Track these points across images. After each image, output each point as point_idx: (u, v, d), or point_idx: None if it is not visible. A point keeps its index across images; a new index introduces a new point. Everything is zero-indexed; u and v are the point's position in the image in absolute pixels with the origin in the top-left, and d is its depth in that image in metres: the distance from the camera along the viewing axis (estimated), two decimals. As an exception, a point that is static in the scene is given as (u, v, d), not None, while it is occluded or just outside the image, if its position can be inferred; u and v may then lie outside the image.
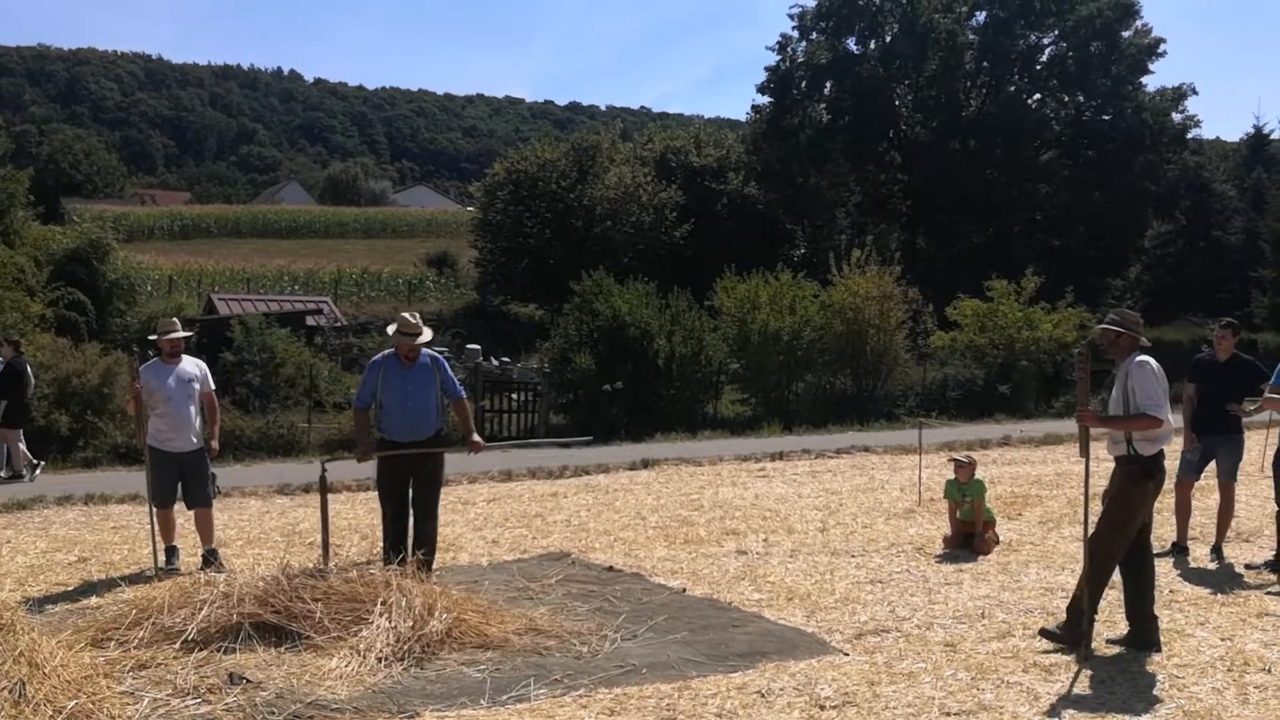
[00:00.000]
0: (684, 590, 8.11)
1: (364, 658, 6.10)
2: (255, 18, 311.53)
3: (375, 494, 13.19)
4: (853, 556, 9.25)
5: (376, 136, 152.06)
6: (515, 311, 37.87)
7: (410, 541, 8.14)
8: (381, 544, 8.45)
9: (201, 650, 6.16)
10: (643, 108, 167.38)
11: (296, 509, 12.18)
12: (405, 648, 6.26)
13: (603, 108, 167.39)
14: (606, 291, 21.59)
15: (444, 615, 6.60)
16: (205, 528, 8.99)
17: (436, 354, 8.54)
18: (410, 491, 8.31)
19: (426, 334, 8.32)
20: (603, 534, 10.35)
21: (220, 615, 6.42)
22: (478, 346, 28.57)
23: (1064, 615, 6.74)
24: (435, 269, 46.12)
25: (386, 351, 8.37)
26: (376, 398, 8.19)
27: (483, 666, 6.21)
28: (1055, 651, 6.47)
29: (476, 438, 8.53)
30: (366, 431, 8.32)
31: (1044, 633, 6.68)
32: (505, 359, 28.31)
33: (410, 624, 6.41)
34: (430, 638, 6.40)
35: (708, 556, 9.20)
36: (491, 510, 11.97)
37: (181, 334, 9.13)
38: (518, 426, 20.25)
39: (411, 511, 8.35)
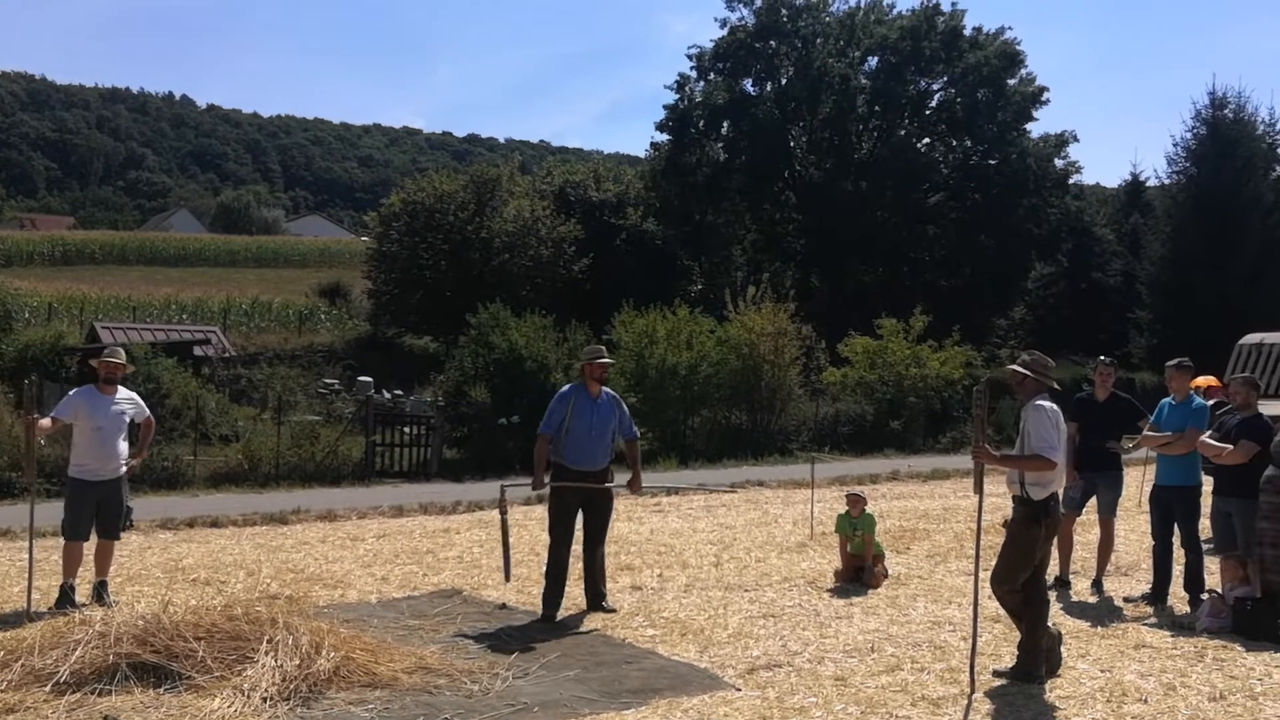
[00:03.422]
0: (578, 627, 8.06)
1: (248, 698, 5.93)
2: (146, 41, 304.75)
3: (263, 530, 12.98)
4: (746, 591, 9.30)
5: (270, 164, 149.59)
6: (409, 343, 37.44)
7: (584, 567, 8.72)
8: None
9: (75, 693, 5.93)
10: (542, 141, 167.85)
11: (180, 544, 11.82)
12: (291, 687, 6.10)
13: (501, 140, 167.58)
14: (503, 324, 21.47)
15: (332, 653, 6.45)
16: (105, 559, 8.74)
17: (615, 394, 9.03)
18: (582, 520, 8.72)
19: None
20: (495, 571, 10.21)
21: (96, 656, 6.19)
22: (370, 379, 28.23)
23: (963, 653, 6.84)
24: (327, 299, 45.43)
25: (571, 384, 8.95)
26: (565, 425, 8.54)
27: (371, 706, 6.08)
28: (942, 685, 6.57)
29: (640, 480, 9.04)
30: (545, 461, 8.65)
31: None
32: (398, 392, 27.97)
33: (297, 663, 6.26)
34: (317, 677, 6.25)
35: (602, 592, 9.15)
36: (381, 546, 11.77)
37: (126, 363, 8.94)
38: (409, 461, 19.96)
39: (584, 539, 8.75)
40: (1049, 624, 6.92)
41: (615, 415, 8.77)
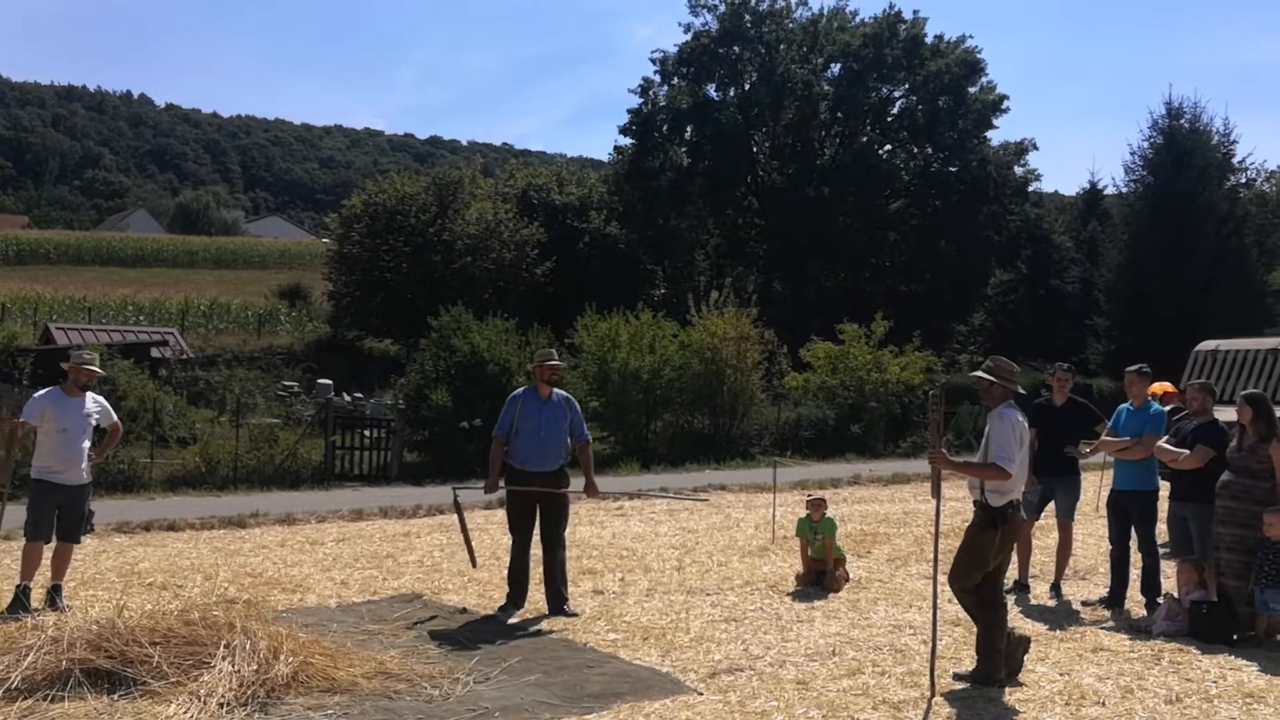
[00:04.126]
0: (539, 631, 8.03)
1: (204, 704, 5.85)
2: (104, 39, 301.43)
3: (221, 534, 12.85)
4: (708, 595, 9.29)
5: (230, 165, 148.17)
6: (370, 346, 37.21)
7: (544, 571, 8.70)
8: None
9: (26, 699, 5.82)
10: (505, 144, 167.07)
11: (135, 548, 11.67)
12: (249, 692, 6.02)
13: (464, 142, 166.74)
14: (465, 327, 21.38)
15: (290, 658, 6.38)
16: (63, 563, 8.65)
17: (569, 395, 9.07)
18: (539, 522, 8.73)
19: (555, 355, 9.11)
20: (456, 575, 10.18)
21: (48, 661, 6.08)
22: (329, 381, 28.04)
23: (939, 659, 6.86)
24: (287, 301, 45.08)
25: (524, 387, 9.01)
26: (514, 427, 8.67)
27: (330, 711, 6.02)
28: (902, 689, 6.60)
29: (596, 484, 9.06)
30: (499, 464, 8.75)
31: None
32: (358, 394, 27.79)
33: (254, 667, 6.18)
34: (275, 682, 6.18)
35: (564, 596, 9.12)
36: (341, 550, 11.68)
37: (98, 369, 8.94)
38: (369, 464, 19.84)
39: (541, 542, 8.75)
40: (1015, 629, 6.95)
41: (567, 416, 8.80)
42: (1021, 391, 6.98)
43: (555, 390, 8.88)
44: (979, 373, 7.03)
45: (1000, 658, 6.76)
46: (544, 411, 8.71)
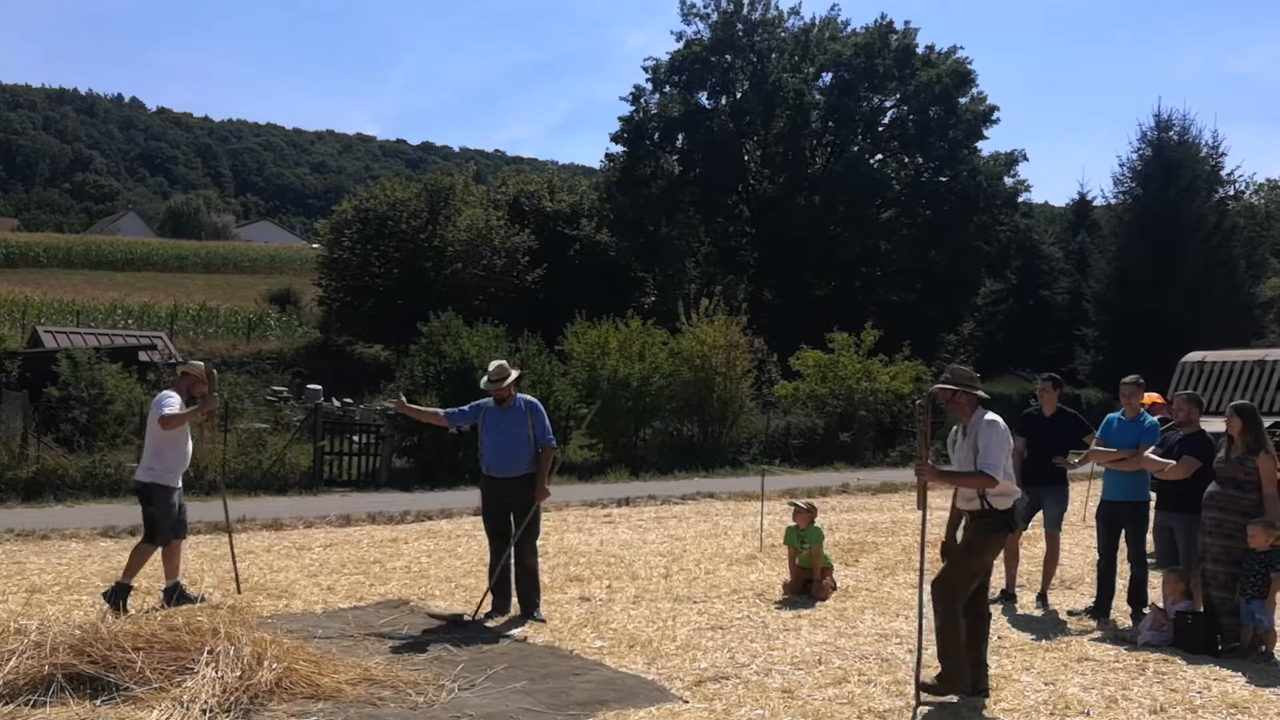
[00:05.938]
0: (525, 638, 8.01)
1: (187, 710, 5.81)
2: (96, 42, 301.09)
3: (207, 539, 12.79)
4: (695, 603, 9.28)
5: (221, 169, 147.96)
6: (360, 352, 37.17)
7: (515, 575, 8.85)
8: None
9: (7, 704, 5.79)
10: (497, 151, 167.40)
11: (121, 552, 11.57)
12: (232, 699, 5.98)
13: (456, 149, 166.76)
14: (455, 333, 21.36)
15: (274, 665, 6.34)
16: (176, 561, 8.91)
17: (534, 400, 9.13)
18: (512, 525, 8.85)
19: (514, 374, 9.06)
20: (444, 581, 10.16)
21: (30, 666, 6.04)
22: (319, 387, 27.95)
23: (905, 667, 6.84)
24: (277, 306, 45.03)
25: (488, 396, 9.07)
26: (475, 431, 9.06)
27: (314, 718, 5.99)
28: (888, 698, 6.59)
29: (546, 487, 8.95)
30: (424, 412, 9.95)
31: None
32: (348, 400, 27.74)
33: (238, 674, 6.15)
34: (259, 688, 6.14)
35: (550, 603, 9.10)
36: (328, 556, 11.64)
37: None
38: (358, 469, 19.79)
39: (513, 548, 8.85)
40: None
41: (528, 421, 8.88)
42: (986, 396, 6.90)
43: (518, 395, 9.01)
44: (939, 385, 6.96)
45: (985, 666, 6.77)
46: (504, 419, 8.86)
